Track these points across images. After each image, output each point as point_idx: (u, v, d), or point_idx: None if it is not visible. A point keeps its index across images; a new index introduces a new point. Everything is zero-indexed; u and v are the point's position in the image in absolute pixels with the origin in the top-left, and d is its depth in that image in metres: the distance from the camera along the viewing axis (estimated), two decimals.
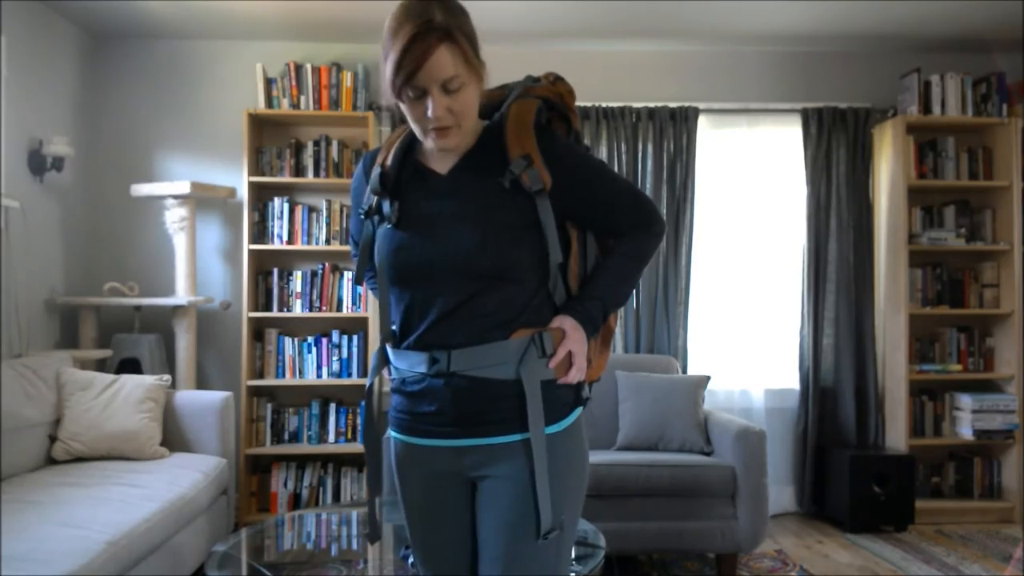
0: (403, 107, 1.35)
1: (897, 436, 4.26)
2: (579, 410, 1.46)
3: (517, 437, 1.37)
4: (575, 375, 1.40)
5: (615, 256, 1.48)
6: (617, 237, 1.50)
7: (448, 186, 1.41)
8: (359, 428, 4.12)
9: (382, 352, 1.48)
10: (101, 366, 3.85)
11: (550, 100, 1.50)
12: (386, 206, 1.43)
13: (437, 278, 1.36)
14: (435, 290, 1.37)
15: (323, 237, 4.16)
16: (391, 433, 1.50)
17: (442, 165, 1.44)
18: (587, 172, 1.45)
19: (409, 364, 1.40)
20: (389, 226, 1.41)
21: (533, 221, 1.39)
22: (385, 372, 1.50)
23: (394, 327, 1.45)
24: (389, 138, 1.51)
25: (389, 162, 1.45)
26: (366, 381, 1.50)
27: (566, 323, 1.40)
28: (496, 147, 1.42)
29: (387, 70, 1.32)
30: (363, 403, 1.50)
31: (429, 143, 1.38)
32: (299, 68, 4.13)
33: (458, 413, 1.37)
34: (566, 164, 1.41)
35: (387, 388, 1.52)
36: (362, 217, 1.48)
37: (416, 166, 1.46)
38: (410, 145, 1.48)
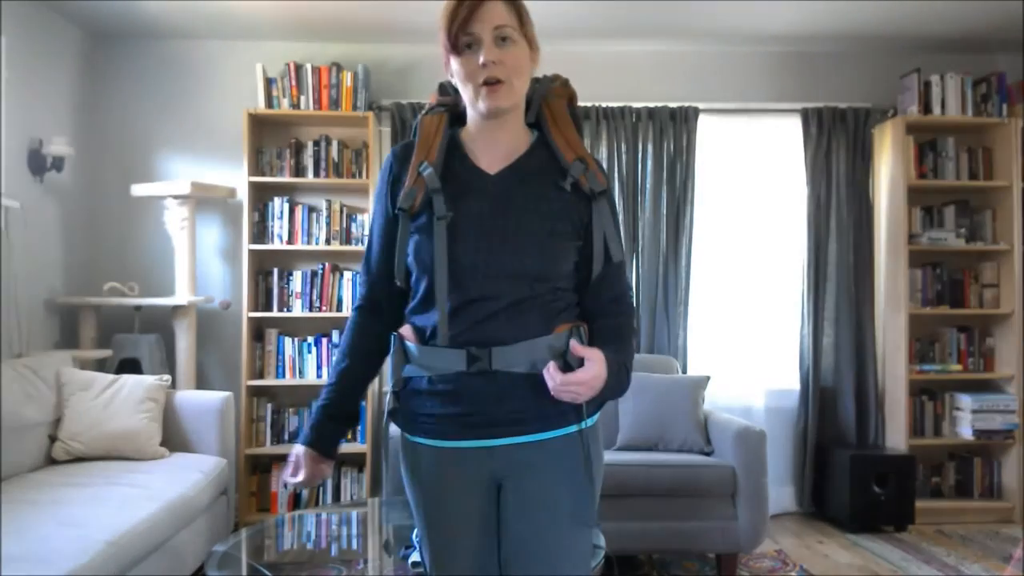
0: (456, 66, 1.38)
1: (897, 436, 4.26)
2: (600, 409, 1.47)
3: (555, 433, 1.38)
4: (567, 397, 1.34)
5: (623, 329, 1.46)
6: (588, 281, 1.44)
7: (499, 187, 1.41)
8: (359, 428, 4.11)
9: (403, 351, 1.43)
10: (101, 366, 3.84)
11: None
12: (439, 205, 1.37)
13: (489, 279, 1.35)
14: (484, 291, 1.35)
15: (323, 237, 4.16)
16: (406, 436, 1.47)
17: (491, 165, 1.43)
18: (610, 197, 1.48)
19: (443, 362, 1.37)
20: (440, 225, 1.36)
21: (583, 224, 1.41)
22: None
23: (421, 322, 1.41)
24: (424, 134, 1.45)
25: (435, 160, 1.41)
26: (387, 382, 1.48)
27: (599, 362, 1.34)
28: (545, 151, 1.44)
29: (442, 30, 1.36)
30: (384, 404, 1.49)
31: (481, 105, 1.37)
32: (299, 68, 4.13)
33: (498, 412, 1.36)
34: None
35: (385, 388, 1.51)
36: (399, 212, 1.41)
37: (464, 161, 1.44)
38: (452, 143, 1.46)
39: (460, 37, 1.34)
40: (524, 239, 1.36)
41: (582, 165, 1.40)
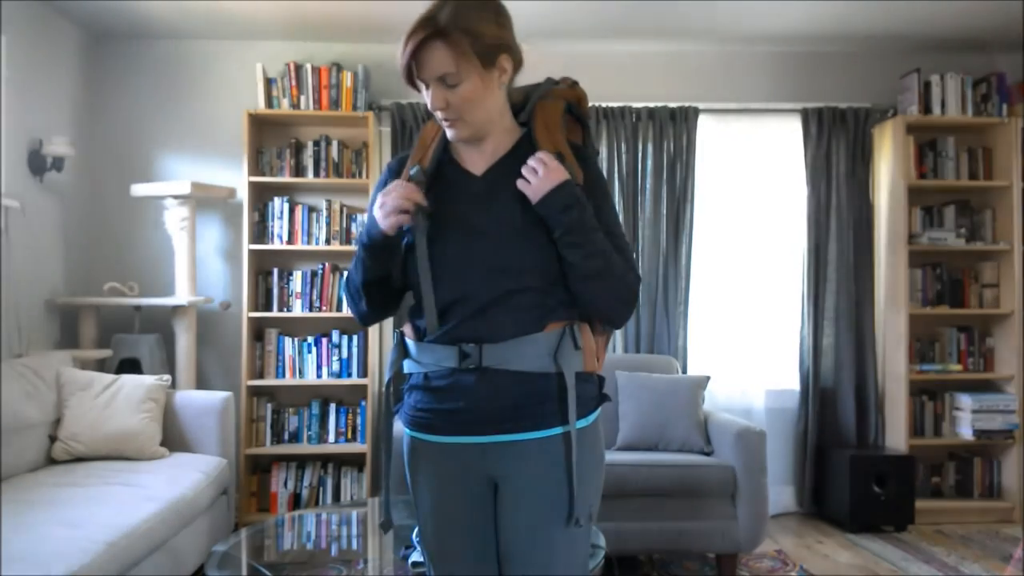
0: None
1: (897, 436, 4.26)
2: (600, 408, 1.47)
3: (547, 432, 1.38)
4: (527, 172, 1.38)
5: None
6: None
7: (483, 187, 1.44)
8: (359, 427, 4.12)
9: (402, 346, 1.47)
10: (101, 366, 3.84)
11: (570, 103, 1.53)
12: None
13: (476, 277, 1.37)
14: (472, 288, 1.37)
15: (323, 237, 4.16)
16: (405, 431, 1.49)
17: (477, 166, 1.46)
18: (600, 188, 1.48)
19: (436, 359, 1.40)
20: (426, 225, 1.40)
21: None
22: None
23: (420, 322, 1.43)
24: (421, 139, 1.52)
25: (427, 166, 1.46)
26: (385, 374, 1.51)
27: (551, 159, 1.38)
28: (529, 149, 1.45)
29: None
30: (379, 398, 1.50)
31: (447, 135, 1.44)
32: (299, 68, 4.13)
33: (489, 409, 1.37)
34: (587, 171, 1.45)
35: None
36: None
37: (452, 165, 1.48)
38: (445, 146, 1.50)
39: (415, 82, 1.39)
40: (506, 233, 1.39)
41: (557, 158, 1.41)
